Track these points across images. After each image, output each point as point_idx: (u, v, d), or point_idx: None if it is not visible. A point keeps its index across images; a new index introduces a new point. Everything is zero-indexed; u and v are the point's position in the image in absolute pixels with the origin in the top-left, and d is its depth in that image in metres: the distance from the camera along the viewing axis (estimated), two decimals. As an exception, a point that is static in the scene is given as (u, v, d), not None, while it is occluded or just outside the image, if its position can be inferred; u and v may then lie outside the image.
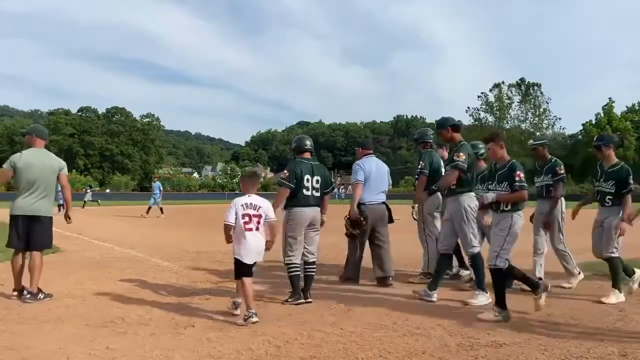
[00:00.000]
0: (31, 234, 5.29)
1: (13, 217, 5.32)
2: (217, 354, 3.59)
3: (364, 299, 5.35)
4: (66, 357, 3.52)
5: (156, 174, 38.97)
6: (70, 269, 7.16)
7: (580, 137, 62.26)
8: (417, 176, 6.29)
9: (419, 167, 6.19)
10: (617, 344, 3.73)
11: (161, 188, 21.62)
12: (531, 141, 6.45)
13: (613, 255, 5.23)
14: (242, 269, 4.49)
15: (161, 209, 20.62)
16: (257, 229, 4.49)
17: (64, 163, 5.64)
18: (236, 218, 4.45)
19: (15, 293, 5.30)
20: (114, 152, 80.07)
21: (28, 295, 5.19)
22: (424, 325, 4.28)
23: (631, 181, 5.24)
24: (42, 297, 5.22)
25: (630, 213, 5.08)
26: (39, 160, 5.38)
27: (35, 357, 3.51)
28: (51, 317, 4.61)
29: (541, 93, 68.27)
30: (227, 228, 4.48)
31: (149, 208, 20.53)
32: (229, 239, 4.53)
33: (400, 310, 4.85)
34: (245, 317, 4.36)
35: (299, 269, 5.24)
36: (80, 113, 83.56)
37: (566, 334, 4.02)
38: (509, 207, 4.65)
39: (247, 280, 4.46)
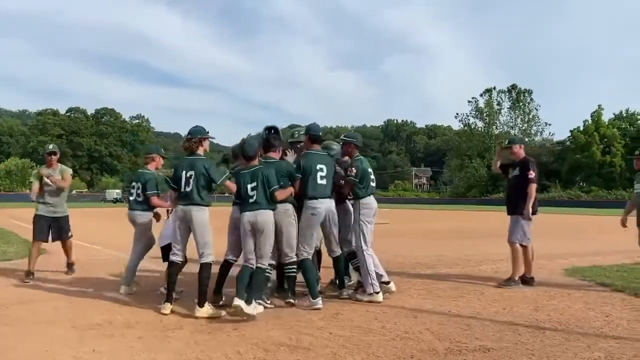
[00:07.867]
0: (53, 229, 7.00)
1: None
2: (205, 358, 3.57)
3: (352, 303, 5.35)
4: (52, 360, 3.48)
5: None
6: (57, 271, 7.07)
7: (568, 143, 62.89)
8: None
9: (351, 173, 5.46)
10: (604, 349, 3.77)
11: None
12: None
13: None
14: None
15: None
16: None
17: (65, 167, 7.15)
18: None
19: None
20: (102, 154, 79.41)
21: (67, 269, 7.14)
22: (412, 330, 4.30)
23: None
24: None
25: None
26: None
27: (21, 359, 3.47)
28: (38, 319, 4.57)
29: (532, 99, 69.07)
30: None
31: None
32: None
33: (389, 314, 4.86)
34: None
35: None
36: (68, 114, 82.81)
37: (553, 339, 4.05)
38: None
39: None
